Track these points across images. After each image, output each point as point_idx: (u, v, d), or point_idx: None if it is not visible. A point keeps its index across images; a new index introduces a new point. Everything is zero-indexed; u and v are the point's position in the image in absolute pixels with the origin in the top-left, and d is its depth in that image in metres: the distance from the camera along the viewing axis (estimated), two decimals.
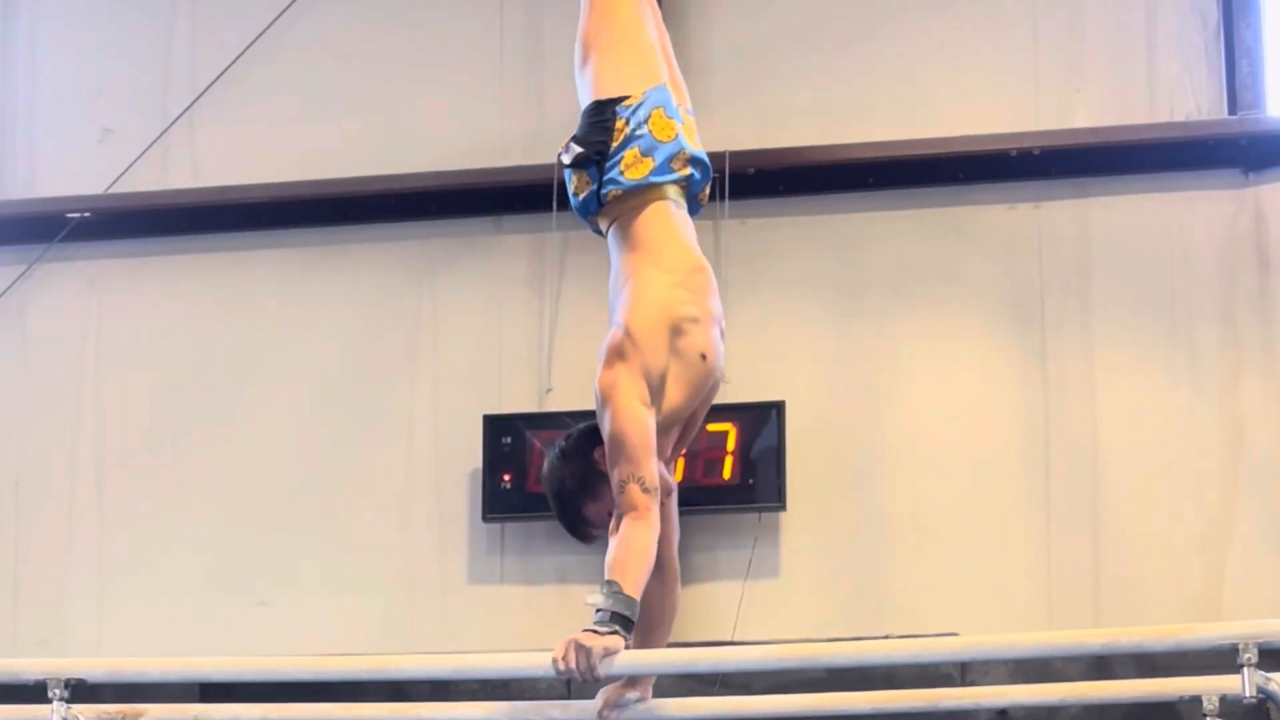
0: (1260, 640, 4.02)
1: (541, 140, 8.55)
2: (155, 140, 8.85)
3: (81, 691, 4.46)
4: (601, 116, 4.77)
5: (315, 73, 8.85)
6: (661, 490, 4.65)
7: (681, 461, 7.96)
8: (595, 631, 4.32)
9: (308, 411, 8.63)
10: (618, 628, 4.35)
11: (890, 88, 8.40)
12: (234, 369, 8.72)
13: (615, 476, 4.52)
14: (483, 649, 7.58)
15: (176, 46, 9.00)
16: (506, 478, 8.15)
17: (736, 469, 7.99)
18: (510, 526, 8.31)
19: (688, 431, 4.85)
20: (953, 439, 8.13)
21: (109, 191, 8.82)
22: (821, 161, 8.32)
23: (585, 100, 4.87)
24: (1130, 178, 8.17)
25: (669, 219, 4.74)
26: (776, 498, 8.01)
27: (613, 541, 4.48)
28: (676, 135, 4.79)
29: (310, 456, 8.58)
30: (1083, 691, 4.91)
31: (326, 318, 8.69)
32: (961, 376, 8.19)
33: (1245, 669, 4.03)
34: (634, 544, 4.44)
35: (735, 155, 8.31)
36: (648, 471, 4.50)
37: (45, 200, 8.91)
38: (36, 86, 9.15)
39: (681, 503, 8.02)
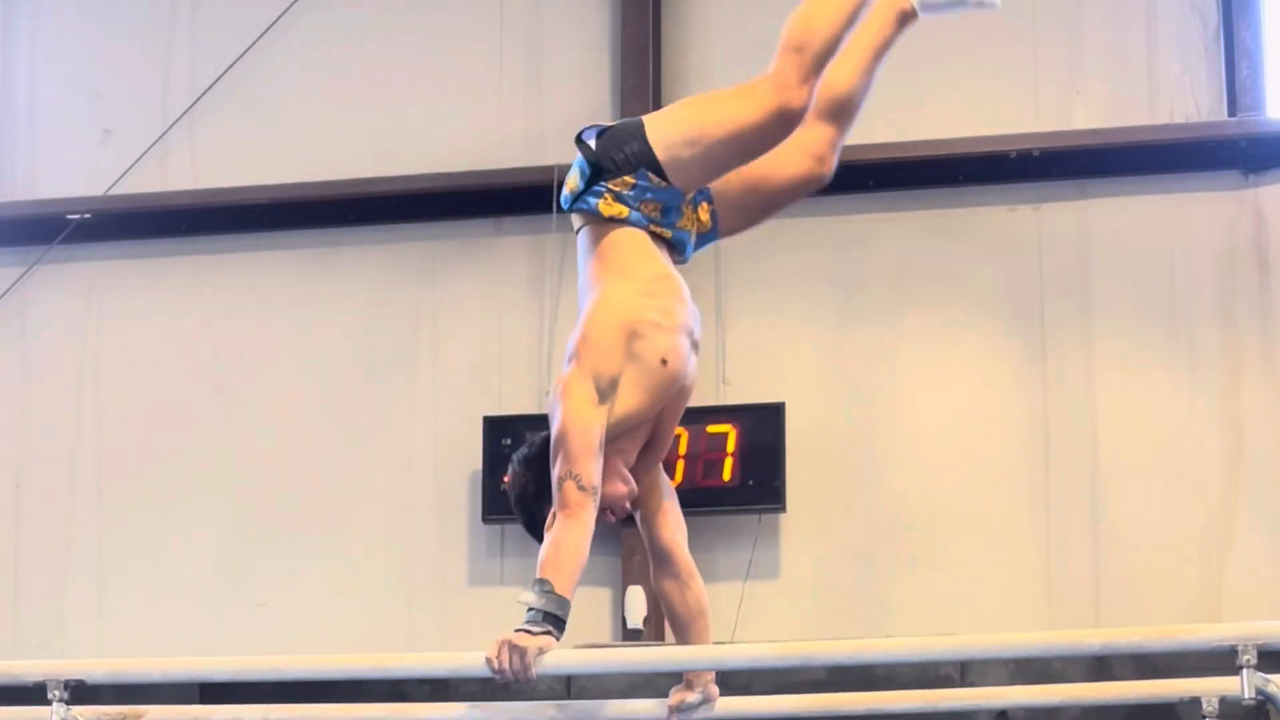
0: (1259, 642, 4.02)
1: (541, 141, 8.56)
2: (155, 142, 8.86)
3: (81, 693, 4.46)
4: (624, 153, 4.67)
5: (315, 74, 8.86)
6: (627, 495, 4.67)
7: (681, 463, 7.97)
8: (528, 631, 4.34)
9: (308, 412, 8.64)
10: (550, 627, 4.36)
11: (890, 89, 8.33)
12: (234, 370, 8.72)
13: (554, 473, 4.52)
14: (482, 650, 7.56)
15: (176, 48, 9.00)
16: (506, 479, 8.13)
17: (736, 470, 7.99)
18: (510, 528, 8.30)
19: (660, 437, 4.80)
20: (953, 440, 8.14)
21: (109, 193, 8.82)
22: None
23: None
24: (1130, 179, 8.18)
25: (637, 238, 4.70)
26: (776, 499, 8.01)
27: (546, 538, 4.48)
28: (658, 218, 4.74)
29: (310, 457, 8.58)
30: (1082, 693, 4.91)
31: (326, 319, 8.70)
32: (962, 378, 8.20)
33: (1244, 670, 4.03)
34: (565, 542, 4.43)
35: None
36: (585, 470, 4.48)
37: (46, 201, 8.92)
38: (37, 88, 9.16)
39: (682, 504, 8.06)
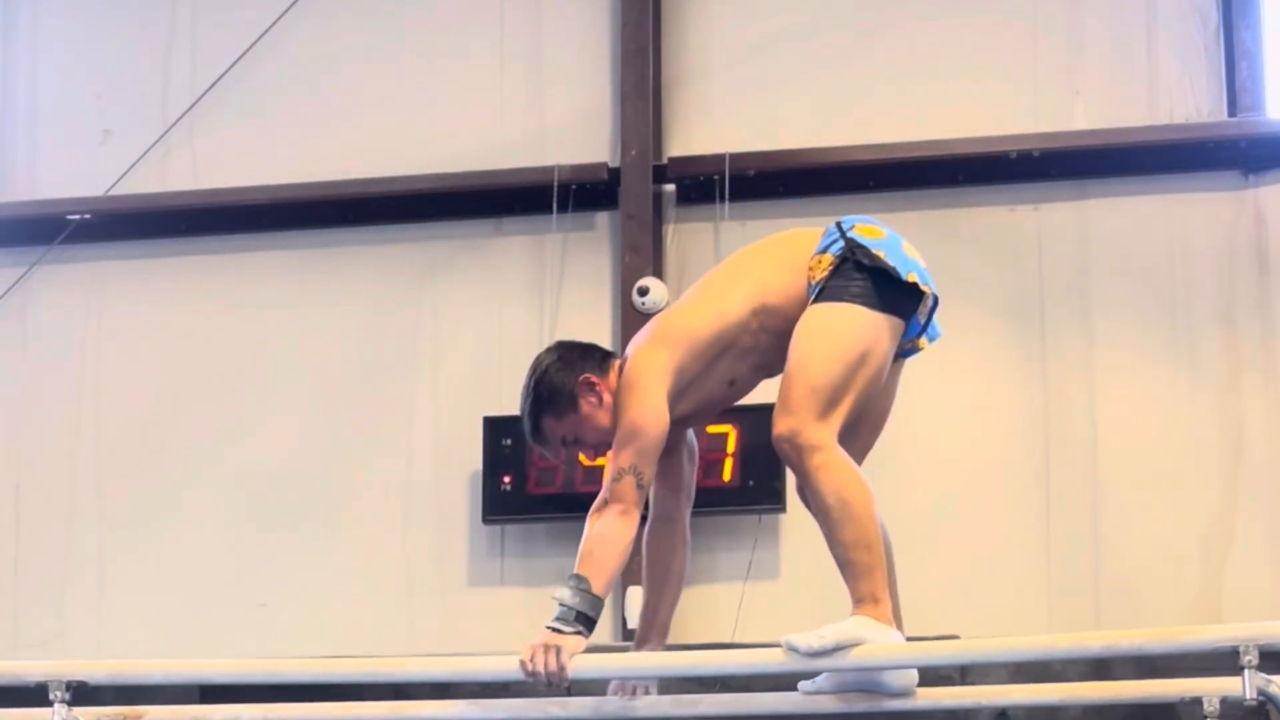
0: (1261, 642, 4.03)
1: (541, 141, 8.56)
2: (156, 142, 8.86)
3: (82, 694, 4.46)
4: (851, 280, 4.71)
5: (315, 75, 8.86)
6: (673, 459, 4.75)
7: None
8: (559, 630, 4.32)
9: (308, 413, 8.63)
10: (581, 627, 4.34)
11: (890, 89, 8.41)
12: (234, 371, 8.72)
13: (617, 461, 4.52)
14: (483, 651, 7.59)
15: (177, 48, 9.00)
16: (506, 479, 8.15)
17: (736, 471, 7.99)
18: (510, 528, 8.31)
19: (697, 418, 4.89)
20: (953, 441, 8.13)
21: (109, 193, 8.82)
22: (821, 163, 8.33)
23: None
24: (1130, 180, 8.18)
25: (802, 291, 4.73)
26: (776, 500, 8.00)
27: (592, 530, 4.48)
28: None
29: (311, 458, 8.58)
30: (1083, 692, 4.91)
31: (327, 320, 8.69)
32: (962, 378, 8.19)
33: (1246, 671, 4.03)
34: (613, 539, 4.45)
35: (735, 157, 8.32)
36: (648, 470, 4.52)
37: (46, 202, 8.91)
38: (37, 88, 9.15)
39: None
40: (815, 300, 4.64)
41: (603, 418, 4.67)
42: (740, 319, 4.69)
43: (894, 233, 4.78)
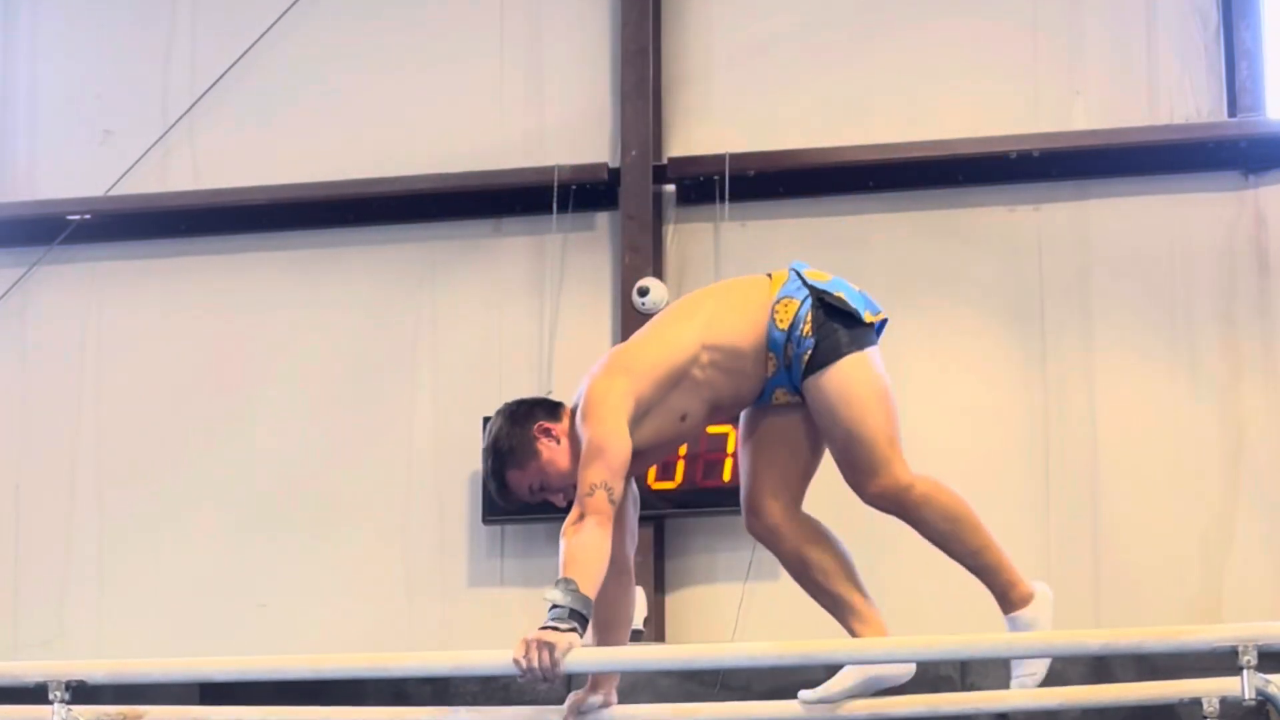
0: (1260, 642, 4.03)
1: (541, 142, 8.57)
2: (156, 142, 8.86)
3: (82, 693, 4.46)
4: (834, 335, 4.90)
5: (315, 75, 8.86)
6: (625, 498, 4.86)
7: (681, 463, 7.97)
8: (554, 628, 4.37)
9: (308, 413, 8.64)
10: (576, 625, 4.39)
11: (890, 90, 8.41)
12: (234, 371, 8.72)
13: (587, 478, 4.64)
14: (483, 650, 7.59)
15: (177, 48, 9.01)
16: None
17: (736, 470, 7.97)
18: (510, 529, 8.31)
19: (646, 460, 5.02)
20: (953, 441, 8.13)
21: (109, 194, 8.82)
22: (821, 164, 8.33)
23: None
24: (1130, 180, 8.18)
25: (760, 338, 4.91)
26: None
27: (572, 540, 4.59)
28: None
29: (310, 458, 8.58)
30: (1083, 695, 4.92)
31: (327, 320, 8.70)
32: (962, 378, 8.20)
33: (1245, 671, 4.04)
34: (593, 547, 4.57)
35: (735, 158, 8.32)
36: (617, 485, 4.66)
37: (46, 202, 8.92)
38: (37, 88, 9.16)
39: (682, 505, 8.11)
40: (814, 367, 4.85)
41: (562, 459, 4.83)
42: (691, 353, 4.84)
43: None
